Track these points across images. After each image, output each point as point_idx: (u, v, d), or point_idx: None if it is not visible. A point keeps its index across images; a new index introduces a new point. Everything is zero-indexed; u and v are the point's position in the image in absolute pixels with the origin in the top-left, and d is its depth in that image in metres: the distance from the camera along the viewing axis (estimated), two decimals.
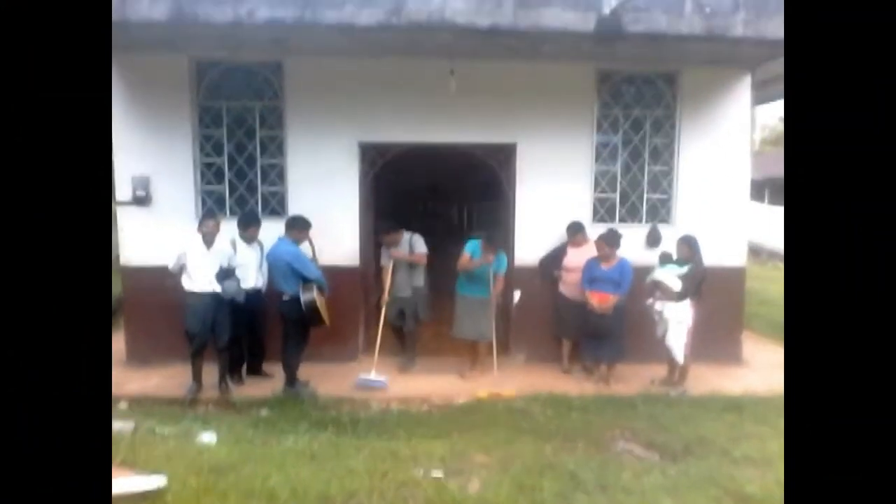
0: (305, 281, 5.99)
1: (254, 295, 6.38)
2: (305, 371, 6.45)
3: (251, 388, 6.40)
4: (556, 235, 7.21)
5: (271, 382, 6.44)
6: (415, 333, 7.18)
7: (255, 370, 6.72)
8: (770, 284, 13.44)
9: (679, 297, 6.26)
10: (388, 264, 6.91)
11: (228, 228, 6.39)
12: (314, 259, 6.33)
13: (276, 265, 6.08)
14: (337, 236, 7.08)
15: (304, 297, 5.95)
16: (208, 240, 5.97)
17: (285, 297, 6.03)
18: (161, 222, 6.96)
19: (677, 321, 6.28)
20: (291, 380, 6.20)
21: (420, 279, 6.99)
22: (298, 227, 6.21)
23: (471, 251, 6.62)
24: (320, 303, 6.03)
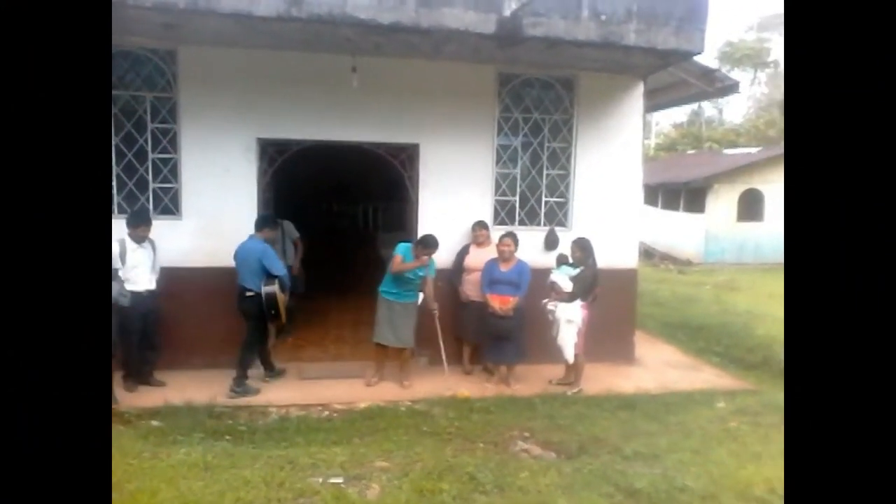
0: (269, 277, 6.18)
1: (146, 298, 6.06)
2: (198, 380, 6.29)
3: (142, 398, 6.04)
4: (457, 238, 7.26)
5: (163, 391, 6.12)
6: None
7: (146, 379, 6.35)
8: (662, 286, 14.14)
9: (570, 297, 6.45)
10: None
11: (116, 227, 6.02)
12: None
13: (245, 261, 6.25)
14: (234, 237, 6.82)
15: (266, 290, 6.15)
16: None
17: (249, 294, 6.21)
18: None
19: (567, 321, 6.47)
20: (241, 378, 6.28)
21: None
22: (269, 227, 6.51)
23: (402, 254, 6.53)
24: (280, 299, 6.24)
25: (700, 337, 9.32)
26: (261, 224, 6.44)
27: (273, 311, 6.25)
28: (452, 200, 7.29)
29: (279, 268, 6.27)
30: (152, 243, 6.22)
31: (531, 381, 6.80)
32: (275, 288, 6.18)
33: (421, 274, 6.53)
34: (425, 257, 6.44)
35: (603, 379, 6.92)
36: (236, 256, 6.33)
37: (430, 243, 6.41)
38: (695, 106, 35.33)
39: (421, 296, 6.85)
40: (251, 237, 6.36)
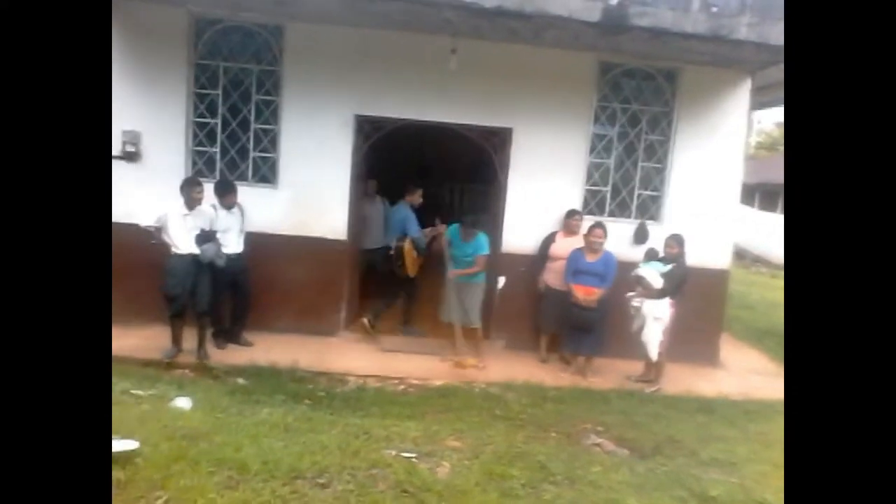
0: (402, 236, 7.13)
1: (235, 260, 6.33)
2: (282, 343, 6.54)
3: (230, 356, 6.35)
4: (544, 224, 7.21)
5: (250, 351, 6.42)
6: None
7: (236, 338, 6.66)
8: (752, 289, 13.58)
9: (659, 294, 6.30)
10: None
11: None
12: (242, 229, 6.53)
13: (394, 222, 7.32)
14: (325, 208, 7.04)
15: (397, 244, 7.10)
16: (190, 202, 5.91)
17: (389, 251, 7.20)
18: (149, 180, 6.85)
19: (654, 318, 6.33)
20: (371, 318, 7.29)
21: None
22: (409, 193, 7.41)
23: (451, 235, 6.65)
24: (408, 254, 7.07)
25: None
26: (411, 189, 7.37)
27: (400, 263, 7.07)
28: (541, 186, 7.23)
29: (414, 230, 7.15)
30: (241, 208, 6.48)
31: (608, 374, 6.71)
32: (404, 244, 7.06)
33: (471, 252, 6.53)
34: (440, 227, 6.95)
35: (683, 380, 6.74)
36: (388, 218, 7.41)
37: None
38: None
39: (501, 279, 6.88)
40: (401, 202, 7.34)
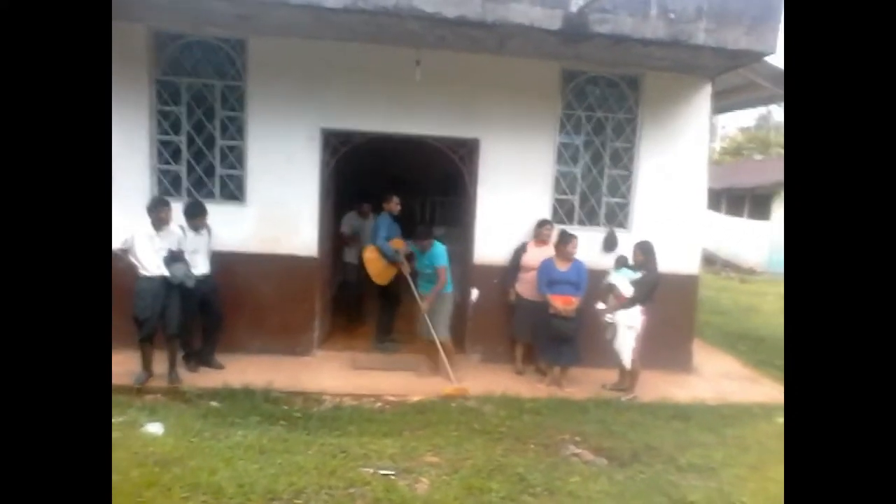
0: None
1: (204, 281, 6.22)
2: (256, 364, 6.45)
3: (203, 379, 6.21)
4: (515, 235, 7.22)
5: (223, 373, 6.30)
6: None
7: (207, 360, 6.52)
8: (723, 294, 13.77)
9: (630, 302, 6.34)
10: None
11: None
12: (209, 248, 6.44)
13: (371, 235, 7.36)
14: (294, 224, 6.96)
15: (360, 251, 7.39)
16: (157, 223, 5.81)
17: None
18: (114, 201, 6.66)
19: (627, 326, 6.36)
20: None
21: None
22: (386, 201, 7.38)
23: (412, 248, 6.76)
24: (371, 262, 7.09)
25: (761, 349, 9.03)
26: (387, 197, 7.35)
27: (364, 272, 7.20)
28: (510, 197, 7.24)
29: (375, 237, 7.14)
30: (208, 229, 6.38)
31: (584, 384, 6.70)
32: (366, 251, 7.18)
33: (428, 264, 6.52)
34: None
35: (658, 387, 6.77)
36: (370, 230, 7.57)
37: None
38: (764, 110, 34.26)
39: (475, 292, 6.88)
40: (382, 213, 7.31)
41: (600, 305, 6.55)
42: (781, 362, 8.26)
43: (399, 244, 7.12)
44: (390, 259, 7.07)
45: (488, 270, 7.23)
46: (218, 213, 6.56)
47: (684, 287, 7.42)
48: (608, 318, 6.48)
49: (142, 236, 5.74)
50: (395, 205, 7.37)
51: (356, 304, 8.52)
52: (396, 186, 7.76)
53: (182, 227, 6.12)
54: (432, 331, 6.48)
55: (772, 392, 7.06)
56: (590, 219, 7.51)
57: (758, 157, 30.55)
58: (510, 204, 7.25)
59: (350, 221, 8.30)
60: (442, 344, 6.53)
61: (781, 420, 6.00)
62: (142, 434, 4.46)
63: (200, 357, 6.49)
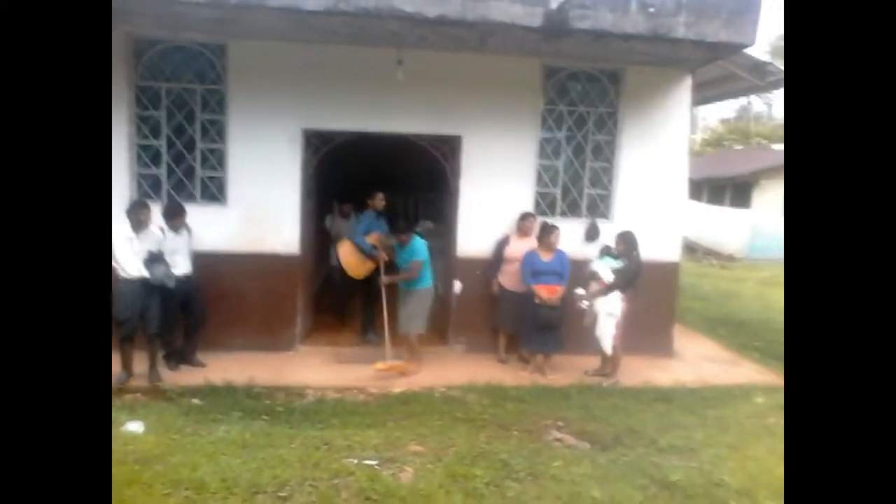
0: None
1: (185, 281, 6.22)
2: (238, 361, 6.47)
3: (184, 377, 6.20)
4: (498, 228, 7.27)
5: (203, 371, 6.30)
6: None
7: (188, 359, 6.52)
8: (704, 280, 13.89)
9: (610, 288, 6.42)
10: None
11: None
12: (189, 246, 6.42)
13: (354, 232, 7.45)
14: (276, 223, 6.98)
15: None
16: (136, 225, 5.81)
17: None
18: None
19: (606, 313, 6.44)
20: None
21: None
22: (371, 198, 7.47)
23: (393, 243, 6.79)
24: (345, 256, 7.27)
25: (741, 332, 9.15)
26: (372, 194, 7.45)
27: (343, 269, 7.32)
28: (493, 192, 7.29)
29: (352, 234, 7.37)
30: (188, 229, 6.39)
31: (566, 371, 6.77)
32: (341, 245, 7.38)
33: (407, 258, 6.57)
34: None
35: (640, 371, 6.85)
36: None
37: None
38: (744, 101, 34.53)
39: (458, 284, 6.93)
40: (366, 211, 7.43)
41: (579, 291, 6.63)
42: (761, 345, 8.39)
43: (374, 238, 7.14)
44: (367, 253, 7.12)
45: (472, 263, 7.28)
46: (199, 215, 6.58)
47: (665, 274, 7.50)
48: (584, 304, 6.58)
49: (121, 238, 5.74)
50: (379, 202, 7.41)
51: (341, 301, 8.54)
52: (381, 184, 7.77)
53: (162, 229, 6.12)
54: (409, 323, 6.57)
55: (751, 374, 7.17)
56: (572, 210, 7.58)
57: (738, 147, 30.74)
58: (493, 198, 7.30)
59: (331, 222, 8.34)
60: (408, 338, 6.63)
61: (761, 400, 6.10)
62: (121, 433, 4.44)
63: (181, 356, 6.50)
